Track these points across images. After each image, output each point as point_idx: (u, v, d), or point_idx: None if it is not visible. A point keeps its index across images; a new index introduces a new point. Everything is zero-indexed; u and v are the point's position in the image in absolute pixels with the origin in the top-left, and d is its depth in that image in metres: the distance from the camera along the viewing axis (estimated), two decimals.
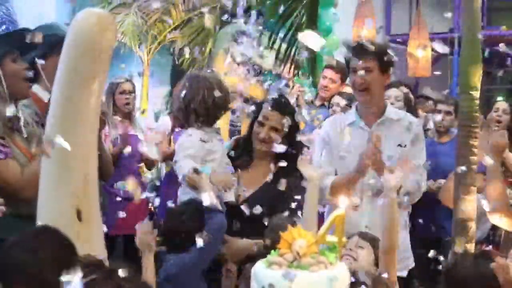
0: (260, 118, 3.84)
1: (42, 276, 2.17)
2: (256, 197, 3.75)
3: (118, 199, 5.45)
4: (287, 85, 6.43)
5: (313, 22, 4.08)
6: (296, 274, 1.84)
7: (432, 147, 5.35)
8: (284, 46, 5.13)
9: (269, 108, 3.83)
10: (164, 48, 8.63)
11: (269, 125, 3.80)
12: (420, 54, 9.09)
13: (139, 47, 8.29)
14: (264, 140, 3.79)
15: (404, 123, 3.84)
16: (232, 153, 3.91)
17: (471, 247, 3.34)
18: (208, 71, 4.05)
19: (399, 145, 3.77)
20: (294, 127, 3.84)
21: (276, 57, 4.75)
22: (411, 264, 3.85)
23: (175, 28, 8.36)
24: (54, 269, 2.16)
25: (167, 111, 8.18)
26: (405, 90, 5.89)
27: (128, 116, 5.76)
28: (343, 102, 5.53)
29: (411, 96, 6.15)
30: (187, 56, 7.83)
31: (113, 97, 5.69)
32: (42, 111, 3.48)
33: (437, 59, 10.52)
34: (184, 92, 3.84)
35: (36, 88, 3.73)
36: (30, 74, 3.39)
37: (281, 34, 4.90)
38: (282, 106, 3.84)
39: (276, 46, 4.65)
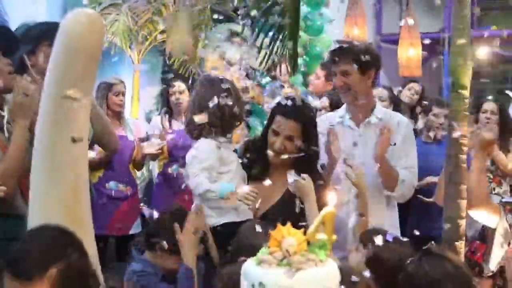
0: (274, 126, 3.58)
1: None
2: (275, 211, 3.54)
3: (110, 199, 5.46)
4: (282, 86, 6.47)
5: (296, 17, 4.08)
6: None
7: (421, 147, 5.38)
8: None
9: (283, 116, 3.57)
10: (155, 48, 8.63)
11: (283, 134, 3.54)
12: (411, 53, 9.12)
13: (130, 48, 8.28)
14: (280, 150, 3.54)
15: (392, 122, 3.86)
16: (245, 160, 3.68)
17: (461, 245, 3.35)
18: (220, 76, 3.86)
19: (389, 144, 3.78)
20: (312, 133, 3.60)
21: (259, 53, 4.70)
22: None
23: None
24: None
25: (158, 112, 8.18)
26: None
27: (118, 116, 5.75)
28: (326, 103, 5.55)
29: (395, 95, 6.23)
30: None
31: (106, 98, 5.69)
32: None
33: (428, 59, 10.56)
34: (197, 100, 3.64)
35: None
36: (12, 68, 3.43)
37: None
38: (297, 113, 3.57)
39: (258, 42, 4.61)
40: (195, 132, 3.64)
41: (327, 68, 6.11)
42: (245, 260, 1.99)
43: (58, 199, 2.65)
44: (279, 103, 3.69)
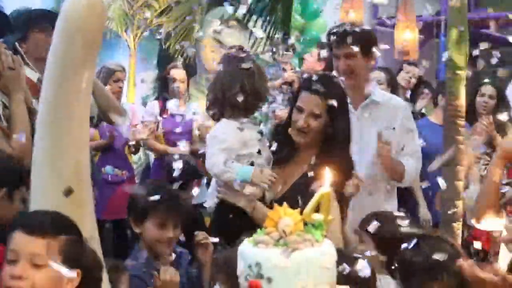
0: (298, 103, 3.34)
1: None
2: (292, 193, 3.30)
3: (107, 183, 5.47)
4: (283, 70, 6.44)
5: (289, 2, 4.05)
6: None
7: (430, 127, 5.39)
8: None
9: (308, 91, 3.32)
10: (151, 33, 8.60)
11: (307, 110, 3.29)
12: (407, 37, 9.09)
13: (125, 32, 8.25)
14: (303, 128, 3.29)
15: (390, 105, 3.84)
16: (274, 145, 3.42)
17: (458, 225, 3.36)
18: (243, 54, 3.70)
19: (387, 127, 3.77)
20: (340, 112, 3.32)
21: (250, 35, 4.64)
22: None
23: (161, 13, 8.32)
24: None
25: (154, 96, 8.16)
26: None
27: None
28: None
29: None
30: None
31: (106, 83, 5.69)
32: (32, 92, 3.54)
33: (424, 43, 10.54)
34: (219, 79, 3.47)
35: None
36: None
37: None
38: (322, 88, 3.30)
39: (251, 25, 4.55)
40: (217, 113, 3.50)
41: (322, 48, 6.09)
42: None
43: (59, 180, 2.63)
44: (304, 78, 3.50)
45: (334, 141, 3.28)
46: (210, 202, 3.56)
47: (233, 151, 3.35)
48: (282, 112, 3.54)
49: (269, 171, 3.30)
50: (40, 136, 2.72)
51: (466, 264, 2.41)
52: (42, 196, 2.66)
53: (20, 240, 2.24)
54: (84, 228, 2.54)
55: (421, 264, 2.55)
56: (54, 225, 2.28)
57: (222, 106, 3.43)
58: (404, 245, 2.70)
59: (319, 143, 3.30)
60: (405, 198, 4.71)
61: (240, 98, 3.35)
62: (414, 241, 2.67)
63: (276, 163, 3.42)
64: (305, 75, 3.52)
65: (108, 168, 5.56)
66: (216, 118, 3.51)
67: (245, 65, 3.39)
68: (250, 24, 4.57)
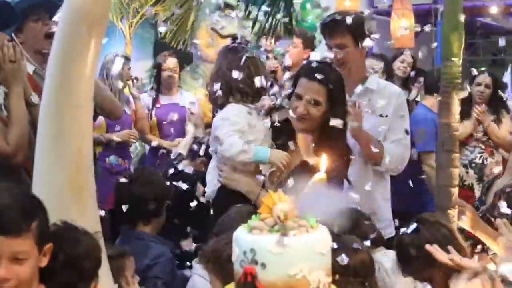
0: (297, 90, 3.36)
1: None
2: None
3: (110, 173, 5.46)
4: (266, 58, 6.42)
5: None
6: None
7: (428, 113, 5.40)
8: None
9: (307, 78, 3.35)
10: (146, 21, 8.57)
11: (307, 97, 3.31)
12: (404, 25, 9.08)
13: (121, 21, 8.22)
14: (302, 115, 3.31)
15: (385, 93, 3.83)
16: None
17: (453, 213, 3.36)
18: (244, 45, 3.73)
19: (380, 115, 3.76)
20: (339, 100, 3.37)
21: (253, 28, 4.65)
22: (392, 233, 3.77)
23: (157, 1, 8.29)
24: None
25: (150, 86, 8.14)
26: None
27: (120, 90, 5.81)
28: None
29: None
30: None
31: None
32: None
33: (421, 31, 10.56)
34: (225, 67, 3.52)
35: None
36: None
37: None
38: (322, 75, 3.32)
39: (252, 16, 4.55)
40: (221, 99, 3.54)
41: (304, 36, 6.05)
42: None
43: (62, 166, 2.63)
44: (303, 65, 3.51)
45: (333, 128, 3.28)
46: (209, 189, 3.57)
47: (244, 134, 3.38)
48: (265, 101, 3.54)
49: (284, 152, 3.32)
50: (43, 122, 2.72)
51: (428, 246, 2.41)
52: (43, 183, 2.66)
53: None
54: (86, 221, 2.53)
55: (420, 249, 2.56)
56: (25, 217, 2.21)
57: (229, 92, 3.47)
58: (403, 230, 2.71)
59: (317, 130, 3.32)
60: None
61: (247, 86, 3.42)
62: (414, 225, 2.68)
63: (278, 148, 3.43)
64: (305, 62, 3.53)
65: (112, 158, 5.60)
66: (220, 103, 3.54)
67: (249, 54, 3.43)
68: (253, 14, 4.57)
